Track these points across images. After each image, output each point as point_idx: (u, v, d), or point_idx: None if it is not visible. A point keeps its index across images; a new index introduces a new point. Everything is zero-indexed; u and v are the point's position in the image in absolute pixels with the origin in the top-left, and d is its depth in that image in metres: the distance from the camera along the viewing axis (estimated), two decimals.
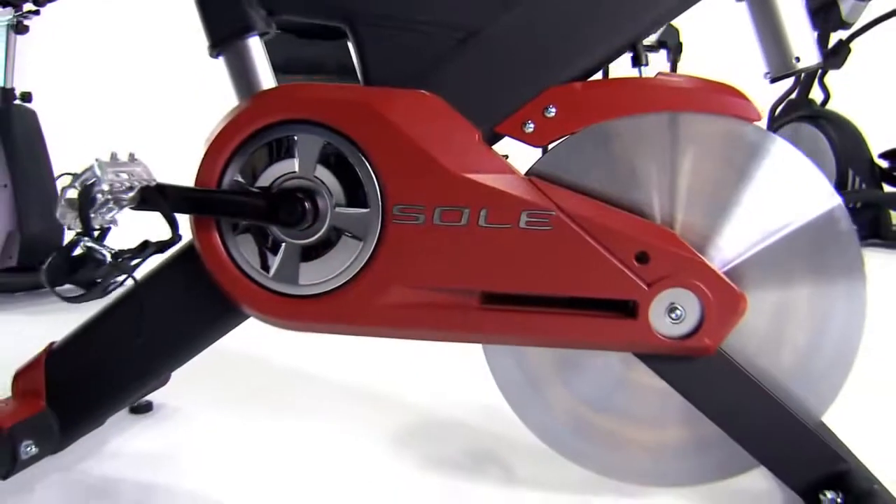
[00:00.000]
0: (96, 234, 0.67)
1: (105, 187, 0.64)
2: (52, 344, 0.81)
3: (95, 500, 0.79)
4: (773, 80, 0.72)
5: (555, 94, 0.69)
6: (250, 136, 0.70)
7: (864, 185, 2.99)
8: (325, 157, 0.69)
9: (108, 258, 0.65)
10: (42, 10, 1.82)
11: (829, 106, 3.27)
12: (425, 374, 1.17)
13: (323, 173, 0.69)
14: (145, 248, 0.69)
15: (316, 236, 0.69)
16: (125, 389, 0.79)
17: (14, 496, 0.78)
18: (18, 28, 1.82)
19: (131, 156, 0.69)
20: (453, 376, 1.14)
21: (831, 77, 3.25)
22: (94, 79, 3.90)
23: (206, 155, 0.70)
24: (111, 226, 0.68)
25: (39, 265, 1.59)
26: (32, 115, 1.89)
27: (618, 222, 0.67)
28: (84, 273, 0.71)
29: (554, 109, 0.69)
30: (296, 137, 0.69)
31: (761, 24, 0.70)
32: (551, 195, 0.67)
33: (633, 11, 0.69)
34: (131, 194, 0.66)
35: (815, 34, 0.71)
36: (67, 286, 0.85)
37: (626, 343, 0.69)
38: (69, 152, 2.06)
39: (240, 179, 0.70)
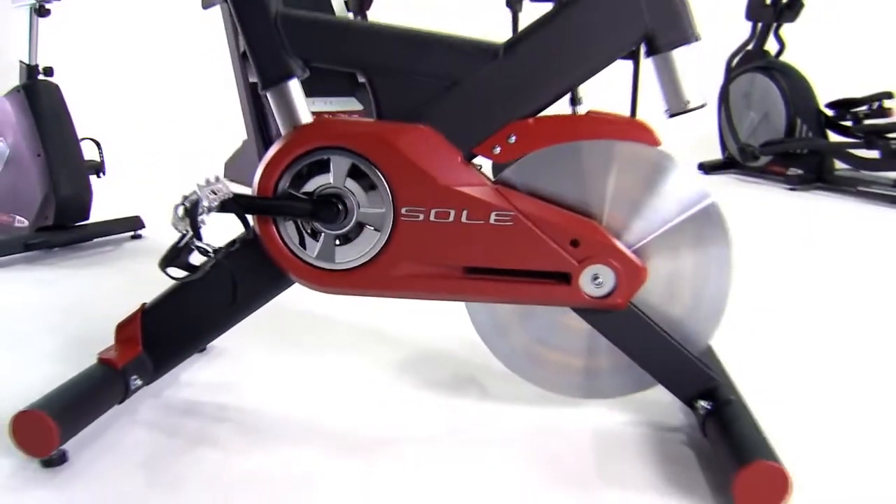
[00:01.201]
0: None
1: (205, 203, 0.93)
2: (144, 304, 1.11)
3: (184, 416, 1.10)
4: (671, 116, 1.00)
5: (515, 126, 0.98)
6: (296, 158, 0.98)
7: (810, 133, 3.29)
8: (352, 172, 0.98)
9: (211, 252, 0.95)
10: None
11: (783, 57, 3.54)
12: (420, 321, 1.48)
13: (350, 184, 0.98)
14: (233, 244, 0.98)
15: (346, 228, 0.99)
16: (206, 338, 1.10)
17: (125, 416, 1.09)
18: (41, 11, 2.03)
19: (217, 178, 0.98)
20: (441, 323, 1.45)
21: (786, 29, 3.51)
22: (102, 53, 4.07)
23: (263, 172, 0.99)
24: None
25: (71, 223, 1.85)
26: (56, 89, 2.12)
27: (558, 218, 0.97)
28: (185, 260, 1.00)
29: (514, 137, 0.98)
30: (330, 159, 0.98)
31: (662, 74, 0.98)
32: (512, 199, 0.97)
33: (575, 66, 0.97)
34: (218, 204, 0.95)
35: (702, 80, 0.99)
36: None
37: (565, 301, 1.00)
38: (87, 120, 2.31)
39: (290, 189, 0.99)
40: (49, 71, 2.11)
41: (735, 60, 3.60)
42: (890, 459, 0.99)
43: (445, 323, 1.40)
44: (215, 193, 0.95)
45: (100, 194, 2.17)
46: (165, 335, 1.09)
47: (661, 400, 1.06)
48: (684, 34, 0.94)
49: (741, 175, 3.58)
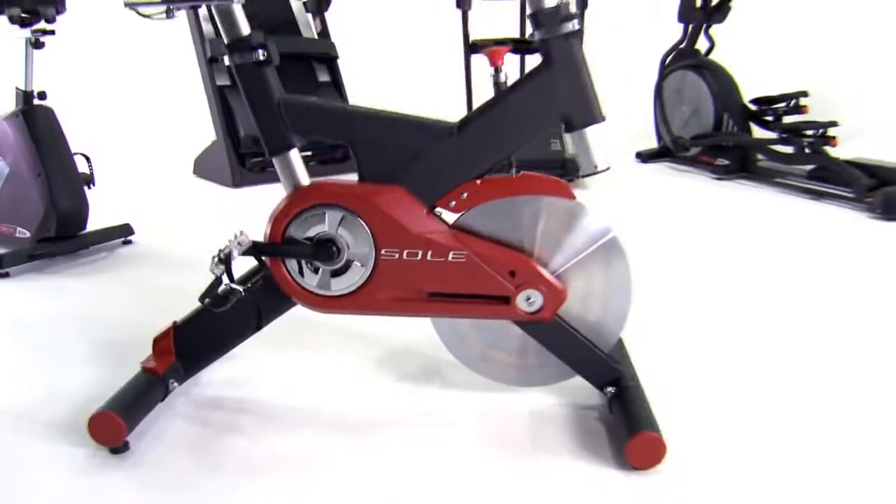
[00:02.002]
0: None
1: (235, 253, 1.24)
2: (175, 322, 1.42)
3: (211, 410, 1.42)
4: (584, 176, 1.34)
5: (466, 186, 1.31)
6: (298, 212, 1.30)
7: (736, 127, 3.69)
8: (342, 222, 1.30)
9: (242, 291, 1.26)
10: (55, 27, 2.28)
11: (713, 54, 3.92)
12: (392, 323, 1.81)
13: (342, 231, 1.30)
14: (254, 279, 1.30)
15: (340, 265, 1.31)
16: (227, 349, 1.42)
17: (166, 411, 1.40)
18: (36, 43, 2.27)
19: (241, 232, 1.29)
20: (408, 325, 1.78)
21: (715, 29, 3.89)
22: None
23: (273, 223, 1.30)
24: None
25: (70, 234, 2.13)
26: (51, 112, 2.37)
27: (499, 255, 1.31)
28: (217, 293, 1.31)
29: (465, 194, 1.31)
30: (325, 213, 1.30)
31: (577, 145, 1.32)
32: (465, 241, 1.30)
33: (511, 141, 1.30)
34: (242, 250, 1.26)
35: (609, 148, 1.32)
36: None
37: (505, 316, 1.34)
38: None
39: (294, 236, 1.31)
40: (42, 95, 2.36)
41: (668, 59, 3.97)
42: (752, 432, 1.37)
43: (412, 325, 1.73)
44: (241, 244, 1.26)
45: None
46: (194, 347, 1.40)
47: (580, 386, 1.42)
48: (593, 116, 1.27)
49: (674, 164, 3.98)
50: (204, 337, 1.40)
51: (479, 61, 4.19)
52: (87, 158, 2.47)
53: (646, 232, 2.73)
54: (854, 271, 2.28)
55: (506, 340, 1.40)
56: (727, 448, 1.28)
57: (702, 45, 3.91)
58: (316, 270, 1.32)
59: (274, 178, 3.00)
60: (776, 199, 3.27)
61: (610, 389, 1.36)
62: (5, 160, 2.35)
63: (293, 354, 1.63)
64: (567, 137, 3.38)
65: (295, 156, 1.33)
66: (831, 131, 3.19)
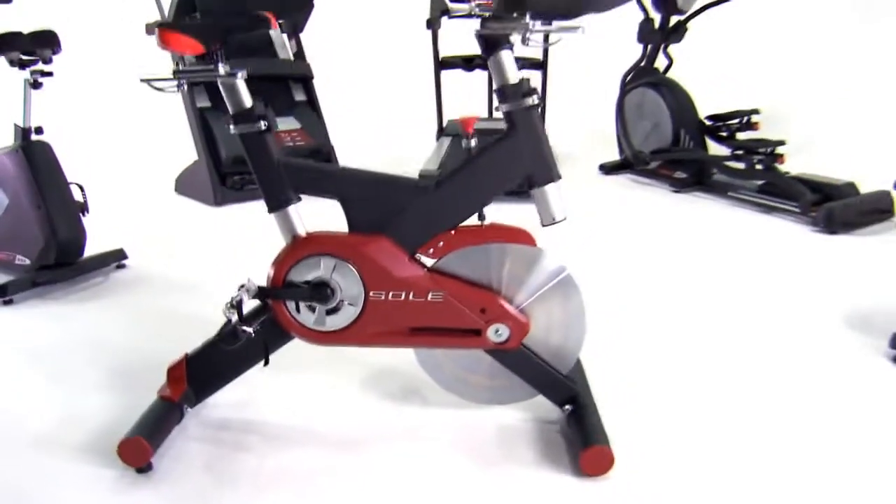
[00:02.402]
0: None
1: (245, 297, 1.46)
2: (187, 354, 1.63)
3: (220, 430, 1.64)
4: (544, 226, 1.57)
5: (442, 235, 1.54)
6: (297, 261, 1.52)
7: (692, 143, 3.97)
8: (336, 269, 1.52)
9: (252, 332, 1.48)
10: (52, 68, 2.45)
11: (671, 71, 4.19)
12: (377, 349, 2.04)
13: (335, 276, 1.52)
14: (259, 318, 1.51)
15: (334, 304, 1.53)
16: (234, 377, 1.63)
17: (181, 433, 1.61)
18: (34, 84, 2.44)
19: (248, 279, 1.50)
20: (391, 351, 2.01)
21: (673, 48, 4.16)
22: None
23: (275, 270, 1.52)
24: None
25: (69, 261, 2.30)
26: (48, 147, 2.54)
27: (472, 294, 1.54)
28: (229, 332, 1.52)
29: (442, 243, 1.54)
30: (320, 261, 1.52)
31: (538, 201, 1.55)
32: (441, 283, 1.53)
33: (480, 198, 1.53)
34: (251, 295, 1.48)
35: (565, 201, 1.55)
36: None
37: (477, 346, 1.57)
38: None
39: (294, 280, 1.53)
40: (39, 130, 2.53)
41: (629, 77, 4.23)
42: (689, 443, 1.62)
43: (397, 352, 1.96)
44: (249, 291, 1.48)
45: None
46: (204, 375, 1.61)
47: (542, 403, 1.66)
48: (551, 176, 1.51)
49: (635, 176, 4.25)
50: (213, 367, 1.61)
51: (449, 76, 4.44)
52: (81, 188, 2.64)
53: (605, 244, 3.00)
54: (794, 284, 2.55)
55: (477, 365, 1.63)
56: (668, 457, 1.53)
57: (661, 62, 4.18)
58: (313, 310, 1.54)
59: (253, 197, 3.25)
60: (728, 212, 3.55)
61: (567, 407, 1.60)
62: (5, 192, 2.52)
63: (289, 377, 1.84)
64: None
65: (293, 210, 1.54)
66: (780, 149, 3.48)
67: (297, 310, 1.54)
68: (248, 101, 1.51)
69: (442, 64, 4.55)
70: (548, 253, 1.56)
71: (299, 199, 1.55)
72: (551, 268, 1.56)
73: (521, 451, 1.57)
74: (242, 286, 1.48)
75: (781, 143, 3.46)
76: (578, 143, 4.93)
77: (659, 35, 4.04)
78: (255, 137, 1.50)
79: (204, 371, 1.61)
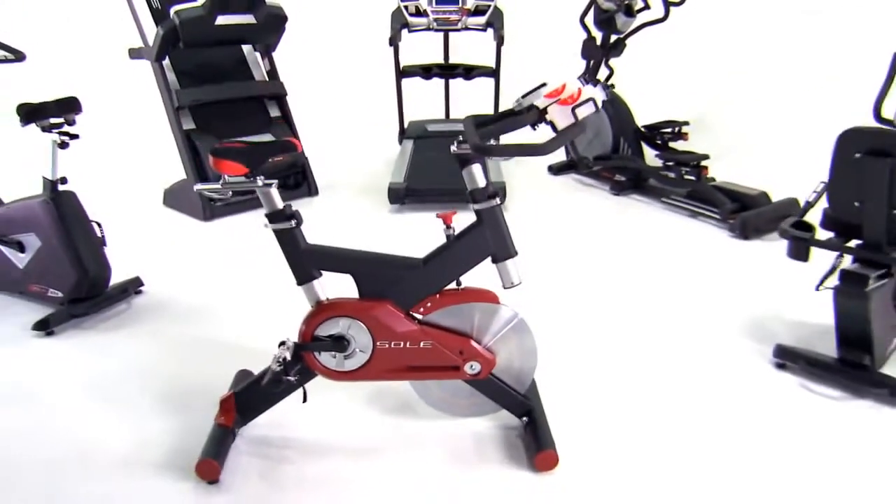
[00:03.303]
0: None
1: (287, 356, 2.02)
2: (234, 391, 2.19)
3: (264, 446, 2.20)
4: (505, 288, 2.15)
5: (430, 298, 2.11)
6: (321, 321, 2.08)
7: (630, 150, 4.58)
8: (351, 326, 2.08)
9: (294, 381, 2.04)
10: (77, 131, 2.91)
11: (612, 80, 4.77)
12: None
13: (351, 331, 2.09)
14: (295, 368, 2.07)
15: (350, 352, 2.10)
16: (271, 406, 2.19)
17: (233, 450, 2.18)
18: (61, 144, 2.89)
19: (286, 339, 2.05)
20: None
21: (613, 62, 4.73)
22: None
23: (305, 328, 2.08)
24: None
25: (97, 293, 2.81)
26: (73, 195, 3.01)
27: (453, 341, 2.12)
28: (274, 380, 2.07)
29: (430, 303, 2.12)
30: (339, 321, 2.08)
31: (500, 273, 2.12)
32: (430, 334, 2.10)
33: (456, 271, 2.10)
34: (291, 352, 2.04)
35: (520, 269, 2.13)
36: None
37: (458, 377, 2.16)
38: None
39: (320, 335, 2.09)
40: (64, 180, 2.99)
41: None
42: (608, 441, 2.25)
43: None
44: (289, 349, 2.04)
45: None
46: (249, 405, 2.17)
47: (506, 416, 2.27)
48: (509, 254, 2.08)
49: (580, 176, 4.87)
50: (256, 399, 2.17)
51: (408, 83, 4.94)
52: (99, 224, 3.13)
53: (547, 243, 3.61)
54: (706, 287, 3.21)
55: (457, 389, 2.23)
56: (602, 454, 2.16)
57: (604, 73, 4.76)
58: (334, 356, 2.10)
59: (238, 211, 3.83)
60: (660, 215, 4.20)
61: (524, 418, 2.21)
62: (38, 236, 2.99)
63: (310, 399, 2.41)
64: (490, 172, 4.23)
65: (317, 283, 2.09)
66: (704, 162, 4.11)
67: (328, 357, 2.10)
68: (279, 203, 2.04)
69: (402, 73, 5.06)
70: (505, 307, 2.15)
71: (321, 275, 2.10)
72: (508, 316, 2.15)
73: (490, 452, 2.18)
74: (283, 343, 2.04)
75: (706, 157, 4.09)
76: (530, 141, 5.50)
77: (601, 51, 4.61)
78: (287, 232, 2.03)
79: (248, 402, 2.18)
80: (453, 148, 2.01)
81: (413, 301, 2.11)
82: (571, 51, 4.72)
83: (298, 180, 4.55)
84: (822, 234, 2.47)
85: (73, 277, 2.96)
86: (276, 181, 2.03)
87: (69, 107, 2.88)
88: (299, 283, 2.09)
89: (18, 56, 3.19)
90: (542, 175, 4.98)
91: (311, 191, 4.59)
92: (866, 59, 4.47)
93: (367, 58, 5.67)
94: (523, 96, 1.97)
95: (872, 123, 2.35)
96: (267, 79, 4.54)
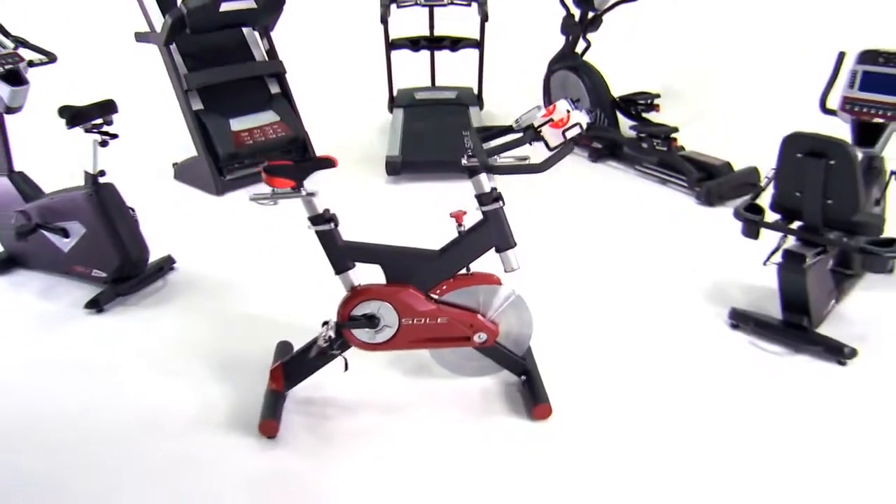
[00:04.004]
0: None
1: (332, 334, 2.50)
2: (282, 360, 2.68)
3: (307, 405, 2.69)
4: (506, 272, 2.63)
5: (445, 281, 2.60)
6: (356, 304, 2.56)
7: (606, 120, 5.05)
8: (380, 307, 2.57)
9: (339, 354, 2.53)
10: (116, 129, 3.30)
11: (588, 54, 5.20)
12: None
13: (380, 311, 2.57)
14: (338, 345, 2.56)
15: (380, 328, 2.59)
16: (313, 373, 2.69)
17: (284, 411, 2.68)
18: (102, 143, 3.29)
19: (327, 321, 2.53)
20: None
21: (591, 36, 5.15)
22: None
23: (343, 309, 2.56)
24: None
25: (137, 273, 3.27)
26: (112, 186, 3.41)
27: (464, 316, 2.59)
28: (320, 353, 2.56)
29: (444, 286, 2.60)
30: (371, 303, 2.56)
31: (503, 261, 2.61)
32: (445, 311, 2.58)
33: (465, 260, 2.59)
34: (334, 330, 2.52)
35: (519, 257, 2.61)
36: None
37: (469, 345, 2.66)
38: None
39: (355, 315, 2.57)
40: (103, 173, 3.40)
41: (554, 60, 5.23)
42: (608, 395, 2.78)
43: None
44: (331, 328, 2.52)
45: None
46: (296, 372, 2.66)
47: (507, 375, 2.79)
48: (509, 245, 2.56)
49: None
50: (302, 367, 2.66)
51: (398, 55, 5.32)
52: (133, 210, 3.55)
53: (528, 211, 4.09)
54: (672, 253, 3.73)
55: (466, 354, 2.73)
56: (588, 405, 2.70)
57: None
58: (367, 331, 2.59)
59: (247, 184, 4.32)
60: (633, 182, 4.70)
61: (523, 377, 2.74)
62: (82, 224, 3.40)
63: (340, 363, 2.91)
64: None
65: (352, 273, 2.56)
66: (674, 135, 4.59)
67: (357, 332, 2.59)
68: (320, 209, 2.49)
69: (392, 45, 5.44)
70: (504, 287, 2.64)
71: (354, 266, 2.57)
72: (507, 293, 2.65)
73: (495, 405, 2.70)
74: (326, 323, 2.52)
75: (675, 129, 4.57)
76: (513, 108, 5.94)
77: (579, 27, 5.02)
78: (327, 233, 2.49)
79: (295, 370, 2.66)
80: (464, 161, 2.45)
81: (431, 285, 2.59)
82: (551, 25, 5.12)
83: (300, 153, 4.96)
84: (771, 216, 2.98)
85: (117, 260, 3.40)
86: (317, 191, 2.47)
87: (108, 109, 3.27)
88: (337, 273, 2.56)
89: (51, 57, 3.56)
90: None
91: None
92: (828, 37, 4.97)
93: (354, 30, 6.02)
94: (521, 116, 2.42)
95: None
96: (266, 58, 4.90)
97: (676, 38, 6.07)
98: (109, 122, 3.29)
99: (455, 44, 5.45)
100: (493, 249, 2.56)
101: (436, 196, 4.49)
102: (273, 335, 2.98)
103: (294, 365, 2.66)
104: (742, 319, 3.08)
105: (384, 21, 5.13)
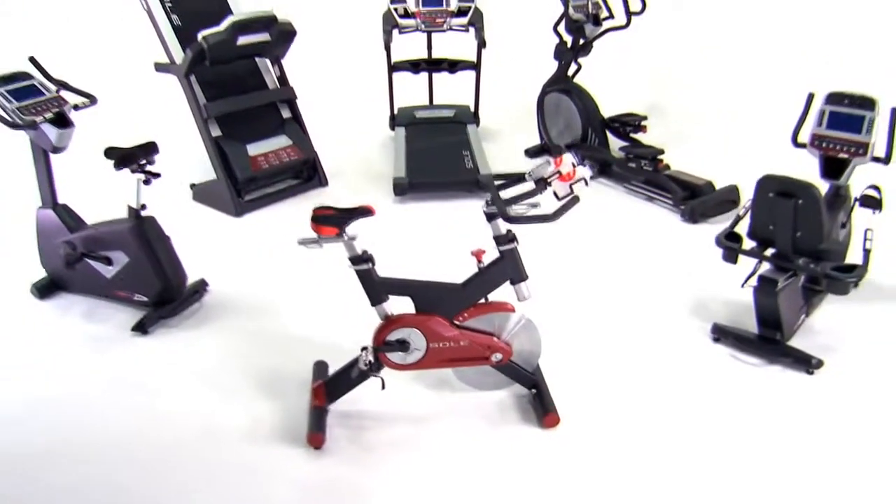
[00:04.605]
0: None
1: (370, 357, 2.93)
2: (323, 380, 3.11)
3: (347, 418, 3.11)
4: (519, 301, 3.07)
5: (466, 310, 3.04)
6: (390, 331, 2.99)
7: (597, 139, 5.50)
8: (411, 333, 3.00)
9: (377, 375, 2.96)
10: (159, 169, 3.69)
11: (579, 76, 5.64)
12: None
13: (411, 336, 3.01)
14: (375, 368, 2.99)
15: (410, 350, 3.03)
16: (351, 390, 3.12)
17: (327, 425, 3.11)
18: (146, 181, 3.68)
19: (368, 347, 2.96)
20: None
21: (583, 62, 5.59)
22: None
23: (379, 335, 2.99)
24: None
25: (176, 297, 3.70)
26: (153, 219, 3.81)
27: (483, 339, 3.03)
28: (359, 372, 2.99)
29: (466, 314, 3.05)
30: (403, 330, 3.00)
31: (516, 291, 3.05)
32: (467, 336, 3.02)
33: (489, 291, 3.03)
34: (372, 355, 2.95)
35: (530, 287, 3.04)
36: None
37: (486, 364, 3.10)
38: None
39: (389, 340, 3.01)
40: (144, 207, 3.79)
41: (548, 83, 5.67)
42: (607, 405, 3.24)
43: None
44: (369, 353, 2.95)
45: None
46: (336, 390, 3.09)
47: (519, 388, 3.23)
48: (522, 278, 3.00)
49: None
50: (341, 385, 3.09)
51: (399, 77, 5.74)
52: (168, 238, 3.95)
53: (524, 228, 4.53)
54: (659, 268, 4.19)
55: (483, 370, 3.18)
56: (590, 413, 3.15)
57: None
58: (399, 354, 3.03)
59: (264, 205, 4.78)
60: (622, 199, 5.16)
61: (533, 390, 3.19)
62: (126, 253, 3.80)
63: (374, 381, 3.33)
64: (477, 159, 5.13)
65: (386, 304, 2.99)
66: (660, 156, 5.05)
67: (395, 354, 3.02)
68: (360, 250, 2.91)
69: (393, 68, 5.86)
70: (518, 312, 3.09)
71: (388, 298, 3.00)
72: (517, 317, 3.09)
73: (509, 414, 3.14)
74: (365, 349, 2.95)
75: (661, 151, 5.03)
76: (508, 126, 6.40)
77: (571, 53, 5.46)
78: (366, 272, 2.92)
79: (335, 388, 3.09)
80: (483, 209, 2.88)
81: (454, 313, 3.03)
82: (544, 46, 5.57)
83: (311, 174, 5.37)
84: (748, 242, 3.45)
85: (159, 286, 3.80)
86: (357, 235, 2.89)
87: (150, 150, 3.66)
88: (373, 305, 2.98)
89: (92, 100, 3.94)
90: (520, 157, 5.89)
91: (322, 182, 5.42)
92: (797, 66, 5.45)
93: (352, 53, 6.45)
94: (533, 169, 2.85)
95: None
96: (278, 84, 5.30)
97: (662, 59, 6.54)
98: (151, 162, 3.67)
99: (453, 66, 5.87)
100: (508, 282, 2.99)
101: (441, 214, 4.94)
102: (306, 352, 3.40)
103: (335, 384, 3.09)
104: (723, 334, 3.54)
105: (387, 46, 5.53)
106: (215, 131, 4.92)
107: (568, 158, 2.82)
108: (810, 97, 3.69)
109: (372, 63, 6.03)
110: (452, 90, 6.03)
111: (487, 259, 3.01)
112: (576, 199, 2.79)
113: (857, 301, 3.81)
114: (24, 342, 3.72)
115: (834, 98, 3.62)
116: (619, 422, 3.08)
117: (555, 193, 2.81)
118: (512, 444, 2.98)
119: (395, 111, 6.01)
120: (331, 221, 2.82)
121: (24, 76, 3.78)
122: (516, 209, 2.86)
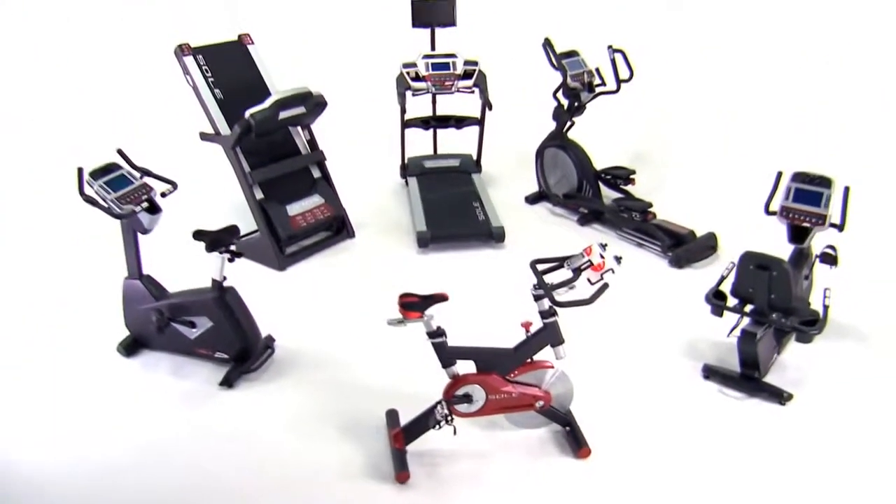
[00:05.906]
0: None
1: (445, 412, 3.84)
2: (399, 428, 4.02)
3: (421, 456, 4.01)
4: (558, 359, 4.01)
5: (517, 367, 3.99)
6: (458, 387, 3.91)
7: (591, 190, 6.47)
8: (473, 388, 3.93)
9: (451, 422, 3.87)
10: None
11: (573, 131, 6.62)
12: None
13: (473, 391, 3.92)
14: (445, 418, 3.91)
15: (473, 401, 3.95)
16: (424, 433, 4.03)
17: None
18: (231, 259, 4.52)
19: (442, 403, 3.87)
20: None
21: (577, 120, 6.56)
22: None
23: (449, 389, 3.91)
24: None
25: (252, 354, 4.62)
26: (234, 290, 4.64)
27: (530, 391, 3.96)
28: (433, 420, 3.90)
29: (517, 371, 3.99)
30: (467, 386, 3.92)
31: (556, 351, 3.99)
32: (518, 388, 3.95)
33: (535, 352, 3.98)
34: (447, 410, 3.87)
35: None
36: None
37: (531, 409, 4.05)
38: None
39: (457, 394, 3.93)
40: (225, 279, 4.64)
41: (545, 140, 6.63)
42: (623, 437, 4.21)
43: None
44: (445, 410, 3.86)
45: None
46: (412, 434, 3.99)
47: (556, 427, 4.18)
48: (559, 342, 3.93)
49: (551, 206, 6.75)
50: (416, 431, 3.99)
51: (411, 133, 6.66)
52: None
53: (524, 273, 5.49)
54: (649, 311, 5.16)
55: (528, 413, 4.12)
56: (613, 445, 4.12)
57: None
58: (463, 405, 3.95)
59: (302, 258, 5.79)
60: (615, 244, 6.13)
61: (567, 427, 4.15)
62: (209, 319, 4.64)
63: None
64: (487, 210, 6.07)
65: (455, 367, 3.90)
66: (648, 208, 6.04)
67: (458, 406, 3.94)
68: (435, 327, 3.82)
69: (406, 124, 6.76)
70: (557, 368, 4.04)
71: (455, 362, 3.91)
72: (554, 370, 4.04)
73: (549, 447, 4.08)
74: (439, 403, 3.87)
75: (650, 204, 6.03)
76: (507, 173, 7.35)
77: (567, 115, 6.42)
78: (440, 344, 3.83)
79: (411, 432, 4.00)
80: (532, 291, 3.82)
81: (508, 371, 3.96)
82: (536, 97, 6.55)
83: (339, 226, 6.24)
84: (731, 299, 4.44)
85: (239, 345, 4.65)
86: (434, 315, 3.79)
87: (233, 233, 4.50)
88: (444, 367, 3.90)
89: (174, 185, 4.76)
90: (520, 203, 6.84)
91: (350, 234, 6.29)
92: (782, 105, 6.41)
93: (363, 109, 7.36)
94: (571, 259, 3.79)
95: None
96: (308, 147, 6.15)
97: (647, 114, 7.55)
98: (233, 243, 4.51)
99: (460, 122, 6.80)
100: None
101: (461, 263, 5.85)
102: (373, 397, 4.26)
103: (412, 430, 4.00)
104: (712, 373, 4.54)
105: (402, 107, 6.43)
106: (259, 195, 5.76)
107: (596, 249, 3.76)
108: (779, 175, 4.69)
109: (376, 118, 6.92)
110: (452, 139, 6.96)
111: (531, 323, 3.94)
112: (606, 286, 3.74)
113: (820, 339, 4.84)
114: (120, 397, 4.46)
115: (799, 177, 4.59)
116: (637, 449, 4.03)
117: (588, 279, 3.75)
118: (551, 472, 3.90)
119: (406, 161, 6.90)
120: (415, 307, 3.71)
121: (115, 167, 4.53)
122: (559, 292, 3.79)
